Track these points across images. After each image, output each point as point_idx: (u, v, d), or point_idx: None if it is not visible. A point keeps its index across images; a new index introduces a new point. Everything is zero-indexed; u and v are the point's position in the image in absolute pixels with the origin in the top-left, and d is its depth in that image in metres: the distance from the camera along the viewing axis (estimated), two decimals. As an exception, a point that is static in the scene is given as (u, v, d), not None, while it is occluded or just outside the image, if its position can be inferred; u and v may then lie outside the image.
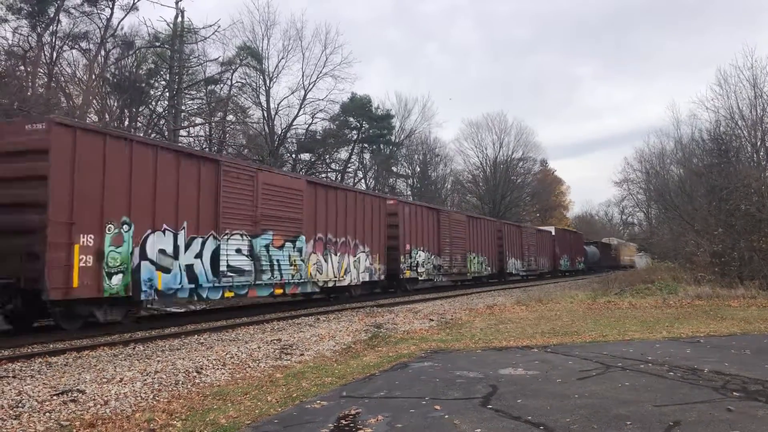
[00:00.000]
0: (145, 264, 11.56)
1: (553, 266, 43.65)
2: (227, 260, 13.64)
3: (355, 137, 45.06)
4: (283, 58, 37.90)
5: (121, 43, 27.37)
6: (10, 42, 23.98)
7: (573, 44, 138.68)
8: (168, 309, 16.25)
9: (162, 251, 11.97)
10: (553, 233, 44.73)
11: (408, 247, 22.83)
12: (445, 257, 25.94)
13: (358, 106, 43.15)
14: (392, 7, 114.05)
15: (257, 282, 14.69)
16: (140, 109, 29.36)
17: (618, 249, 69.74)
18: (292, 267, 15.93)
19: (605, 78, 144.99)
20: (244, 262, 14.22)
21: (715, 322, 12.06)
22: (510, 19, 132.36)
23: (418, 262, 23.65)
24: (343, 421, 5.09)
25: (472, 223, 29.86)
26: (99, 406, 5.86)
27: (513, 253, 35.35)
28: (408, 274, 22.75)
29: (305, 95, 37.98)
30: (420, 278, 23.91)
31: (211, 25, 27.57)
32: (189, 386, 6.83)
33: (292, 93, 38.56)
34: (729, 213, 21.15)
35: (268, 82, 37.15)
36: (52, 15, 24.50)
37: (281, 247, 15.50)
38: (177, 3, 26.68)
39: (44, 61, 25.18)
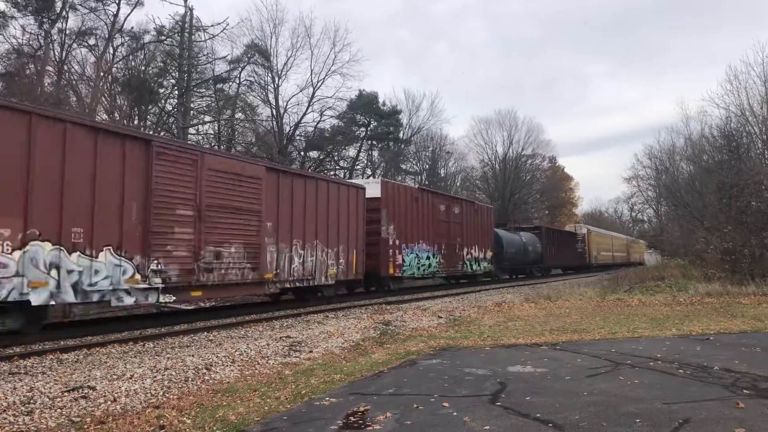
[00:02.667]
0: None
1: (377, 269, 19.93)
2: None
3: (363, 134, 45.03)
4: (291, 56, 37.91)
5: (129, 39, 27.51)
6: (19, 40, 24.18)
7: (583, 42, 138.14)
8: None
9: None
10: (378, 194, 20.19)
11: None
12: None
13: (365, 103, 43.09)
14: (402, 7, 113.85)
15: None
16: (149, 108, 29.51)
17: (588, 241, 48.55)
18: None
19: (615, 76, 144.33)
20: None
21: (726, 319, 11.98)
22: (519, 18, 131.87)
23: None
24: (352, 418, 5.10)
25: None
26: (109, 402, 5.91)
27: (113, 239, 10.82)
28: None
29: (314, 93, 38.00)
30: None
31: (219, 23, 27.65)
32: (198, 383, 6.87)
33: (301, 91, 38.56)
34: (739, 210, 20.98)
35: (276, 80, 37.21)
36: (58, 11, 24.65)
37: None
38: (186, 1, 26.76)
39: (53, 59, 25.35)
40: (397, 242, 21.20)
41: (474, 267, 27.92)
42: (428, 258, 23.46)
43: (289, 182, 15.37)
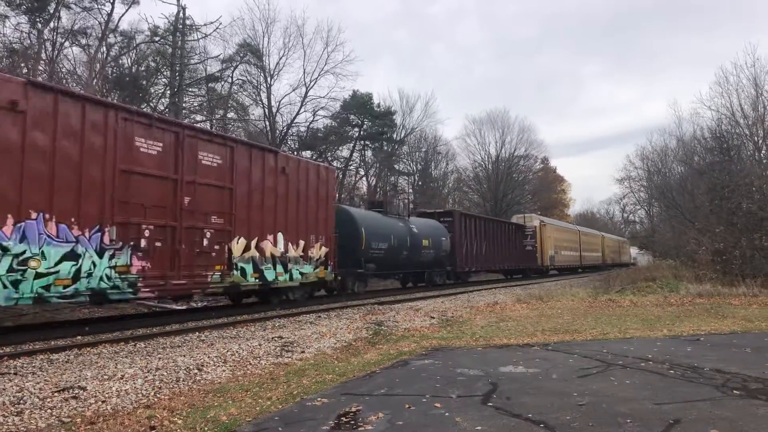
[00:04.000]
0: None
1: None
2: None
3: (357, 134, 45.01)
4: (284, 55, 37.90)
5: (121, 38, 27.42)
6: (10, 39, 24.05)
7: (578, 44, 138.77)
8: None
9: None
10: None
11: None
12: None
13: (359, 104, 43.10)
14: (399, 7, 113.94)
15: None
16: (142, 106, 29.40)
17: (541, 236, 39.48)
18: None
19: (609, 77, 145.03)
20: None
21: (717, 320, 12.05)
22: (516, 18, 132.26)
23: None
24: (344, 419, 5.09)
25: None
26: (100, 403, 5.87)
27: None
28: None
29: (306, 92, 37.99)
30: None
31: (212, 22, 27.60)
32: (190, 383, 6.84)
33: (293, 90, 38.59)
34: (730, 211, 21.14)
35: (269, 79, 37.16)
36: (52, 11, 24.55)
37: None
38: (178, 0, 26.68)
39: (45, 57, 25.22)
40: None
41: (270, 275, 14.53)
42: (74, 257, 9.80)
43: None
